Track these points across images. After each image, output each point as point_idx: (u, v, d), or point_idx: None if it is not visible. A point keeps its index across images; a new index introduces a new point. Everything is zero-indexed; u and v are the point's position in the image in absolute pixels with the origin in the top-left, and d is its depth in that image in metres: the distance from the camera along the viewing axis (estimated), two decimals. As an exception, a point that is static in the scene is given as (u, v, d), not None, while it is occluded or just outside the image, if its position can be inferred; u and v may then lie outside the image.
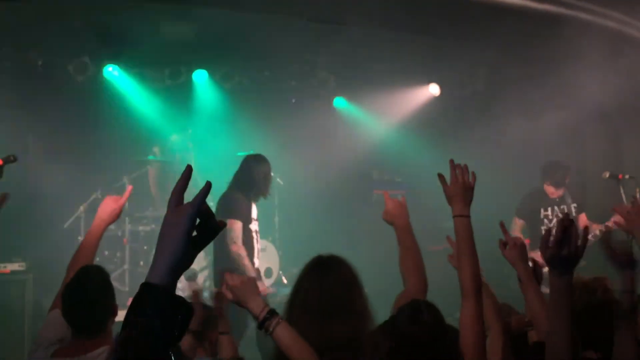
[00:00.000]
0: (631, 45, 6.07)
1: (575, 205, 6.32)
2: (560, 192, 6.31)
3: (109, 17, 6.29)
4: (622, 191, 5.65)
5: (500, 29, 6.00)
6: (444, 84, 8.76)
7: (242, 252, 5.36)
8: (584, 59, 5.86)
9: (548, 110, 6.67)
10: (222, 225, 1.32)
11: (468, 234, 2.38)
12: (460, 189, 2.46)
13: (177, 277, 1.23)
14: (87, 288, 2.58)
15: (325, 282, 2.42)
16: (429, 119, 8.88)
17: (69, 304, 2.59)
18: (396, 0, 5.20)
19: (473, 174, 2.53)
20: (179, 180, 1.28)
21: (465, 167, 2.52)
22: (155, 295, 1.21)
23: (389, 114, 8.80)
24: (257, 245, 5.70)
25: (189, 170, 1.30)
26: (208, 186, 1.28)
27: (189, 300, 1.25)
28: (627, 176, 5.81)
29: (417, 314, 2.05)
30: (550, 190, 6.30)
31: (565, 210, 6.23)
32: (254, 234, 5.65)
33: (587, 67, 5.93)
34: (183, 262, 1.23)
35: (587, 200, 7.81)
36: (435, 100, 8.87)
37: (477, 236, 2.42)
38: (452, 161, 2.55)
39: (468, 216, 2.42)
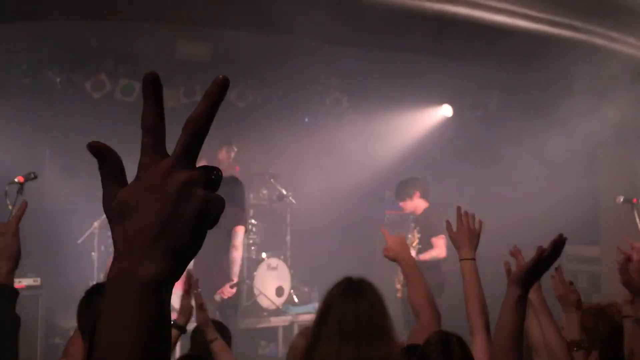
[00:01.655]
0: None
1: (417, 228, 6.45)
2: (412, 208, 6.68)
3: (126, 36, 6.39)
4: (636, 216, 5.61)
5: (514, 51, 6.03)
6: (456, 105, 8.79)
7: (239, 260, 6.03)
8: (598, 83, 5.87)
9: (561, 134, 6.65)
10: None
11: (474, 277, 2.50)
12: (466, 234, 2.59)
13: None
14: None
15: (361, 306, 2.40)
16: (442, 139, 8.90)
17: None
18: (409, 22, 5.24)
19: (480, 221, 2.66)
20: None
21: (473, 215, 2.65)
22: None
23: (401, 134, 8.83)
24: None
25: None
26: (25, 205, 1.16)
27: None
28: (642, 200, 5.78)
29: (448, 347, 2.14)
30: (404, 207, 6.72)
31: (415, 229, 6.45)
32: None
33: (602, 91, 5.93)
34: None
35: (601, 225, 7.79)
36: (448, 121, 8.89)
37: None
38: (459, 208, 2.68)
39: (473, 259, 2.54)
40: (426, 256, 6.30)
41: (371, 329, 2.35)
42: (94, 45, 6.79)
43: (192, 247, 0.71)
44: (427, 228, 6.42)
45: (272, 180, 7.99)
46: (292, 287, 7.66)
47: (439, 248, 6.38)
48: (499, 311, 1.88)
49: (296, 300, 7.70)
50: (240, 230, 5.98)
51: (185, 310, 2.98)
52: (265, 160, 8.17)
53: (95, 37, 6.76)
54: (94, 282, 5.46)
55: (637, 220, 5.55)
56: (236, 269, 5.90)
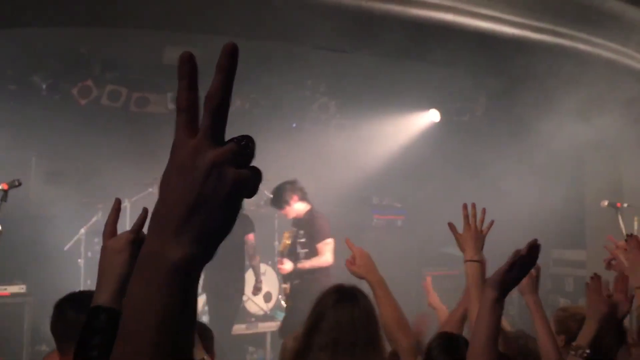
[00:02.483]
0: (629, 75, 6.14)
1: (302, 232, 6.12)
2: (294, 214, 6.25)
3: (113, 42, 6.38)
4: (620, 220, 5.67)
5: (499, 57, 6.08)
6: (443, 110, 8.83)
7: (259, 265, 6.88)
8: (583, 88, 5.92)
9: (547, 138, 6.71)
10: None
11: (478, 279, 2.44)
12: (472, 236, 2.53)
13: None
14: None
15: (357, 315, 2.36)
16: (429, 144, 8.94)
17: None
18: (396, 27, 5.27)
19: (491, 222, 2.58)
20: (110, 213, 1.30)
21: (483, 212, 2.59)
22: (107, 315, 1.22)
23: (389, 139, 8.86)
24: None
25: (117, 203, 1.36)
26: (145, 212, 1.32)
27: None
28: (625, 205, 5.84)
29: (452, 346, 2.20)
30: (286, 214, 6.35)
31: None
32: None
33: (588, 96, 5.99)
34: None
35: (586, 230, 7.85)
36: (436, 126, 8.94)
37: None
38: (465, 207, 2.59)
39: (479, 261, 2.48)
40: (306, 264, 5.92)
41: (366, 338, 2.33)
42: (81, 51, 6.77)
43: (222, 229, 0.70)
44: (311, 233, 6.03)
45: (259, 185, 7.97)
46: (280, 293, 7.65)
47: (323, 255, 5.93)
48: (477, 314, 1.88)
49: (284, 305, 7.69)
50: (251, 238, 6.67)
51: None
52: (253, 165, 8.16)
53: (82, 43, 6.73)
54: (81, 289, 5.44)
55: (621, 223, 5.60)
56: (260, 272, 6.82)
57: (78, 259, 6.98)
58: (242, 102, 8.20)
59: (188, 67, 0.72)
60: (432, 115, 8.87)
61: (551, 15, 5.59)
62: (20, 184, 3.78)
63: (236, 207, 0.71)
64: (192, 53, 0.72)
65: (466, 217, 2.55)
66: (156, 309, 0.67)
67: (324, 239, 5.96)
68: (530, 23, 5.55)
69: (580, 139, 6.64)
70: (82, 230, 7.09)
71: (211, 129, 0.70)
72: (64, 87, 7.18)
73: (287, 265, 5.97)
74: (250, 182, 0.72)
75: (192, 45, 6.92)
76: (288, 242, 6.17)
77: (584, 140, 6.69)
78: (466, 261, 2.50)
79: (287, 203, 6.22)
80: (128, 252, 1.31)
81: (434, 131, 8.92)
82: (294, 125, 8.91)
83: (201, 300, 7.02)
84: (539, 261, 1.93)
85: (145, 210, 1.24)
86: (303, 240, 6.03)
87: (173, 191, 0.69)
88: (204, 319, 6.77)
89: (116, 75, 7.31)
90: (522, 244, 2.74)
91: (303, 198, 6.27)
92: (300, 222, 6.19)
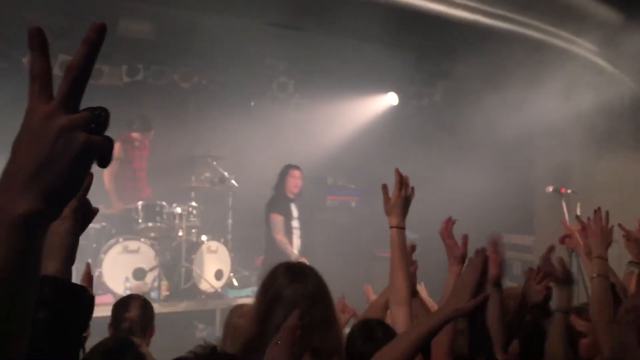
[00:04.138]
0: (585, 67, 6.28)
1: None
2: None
3: (65, 11, 6.20)
4: (564, 205, 5.82)
5: (460, 42, 6.15)
6: (402, 94, 8.89)
7: (285, 239, 6.79)
8: (538, 75, 6.04)
9: (498, 124, 6.83)
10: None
11: (403, 246, 2.45)
12: (401, 202, 2.49)
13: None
14: None
15: (312, 293, 2.23)
16: (387, 127, 9.00)
17: None
18: (354, 9, 5.26)
19: (413, 189, 2.54)
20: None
21: (407, 179, 2.53)
22: (53, 286, 1.15)
23: (347, 121, 8.89)
24: (296, 239, 7.09)
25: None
26: (89, 177, 1.19)
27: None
28: (569, 191, 6.00)
29: (371, 332, 2.22)
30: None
31: None
32: (294, 230, 7.07)
33: (541, 83, 6.11)
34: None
35: (535, 214, 8.05)
36: (393, 110, 8.99)
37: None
38: (397, 170, 2.54)
39: (404, 228, 2.48)
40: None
41: (323, 318, 2.21)
42: (30, 19, 6.53)
43: (69, 188, 0.74)
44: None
45: (214, 162, 7.92)
46: (232, 271, 7.64)
47: None
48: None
49: (236, 283, 7.69)
50: (274, 217, 6.86)
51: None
52: (209, 142, 8.09)
53: (32, 11, 6.51)
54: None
55: (564, 209, 5.75)
56: (288, 247, 6.77)
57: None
58: (199, 78, 8.09)
59: (39, 40, 0.75)
60: (391, 99, 8.92)
61: (505, 1, 5.68)
62: None
63: (84, 169, 0.74)
64: (40, 27, 0.75)
65: (398, 182, 2.50)
66: None
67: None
68: (481, 7, 5.62)
69: (530, 125, 6.78)
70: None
71: (66, 97, 0.74)
72: (14, 56, 6.95)
73: None
74: (101, 147, 0.75)
75: (148, 17, 6.80)
76: None
77: (534, 125, 6.83)
78: (392, 227, 2.48)
79: None
80: (72, 220, 1.28)
81: (392, 114, 8.98)
82: (252, 103, 8.85)
83: (150, 276, 6.97)
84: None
85: (90, 175, 1.20)
86: None
87: (23, 152, 0.72)
88: (152, 295, 6.74)
89: (68, 45, 7.10)
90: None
91: None
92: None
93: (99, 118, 0.75)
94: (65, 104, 0.73)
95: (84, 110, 0.75)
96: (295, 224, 7.11)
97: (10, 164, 0.72)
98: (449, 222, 2.88)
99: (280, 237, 6.78)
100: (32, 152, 0.71)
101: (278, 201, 7.00)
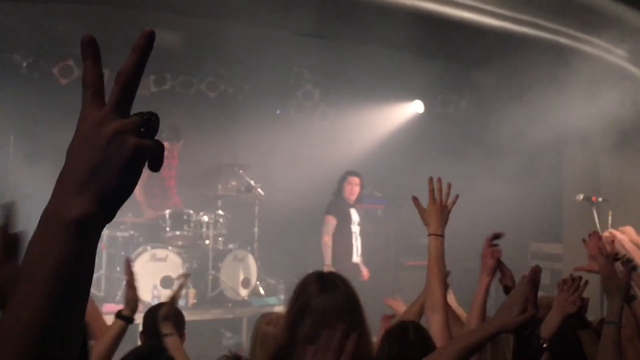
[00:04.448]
0: (612, 72, 6.19)
1: None
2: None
3: (96, 22, 6.30)
4: (595, 214, 5.73)
5: (486, 49, 6.10)
6: (427, 102, 8.85)
7: (329, 243, 6.92)
8: (565, 81, 5.96)
9: (527, 132, 6.76)
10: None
11: (440, 254, 2.45)
12: (437, 210, 2.51)
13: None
14: None
15: (341, 303, 2.21)
16: (413, 135, 8.97)
17: None
18: (381, 17, 5.26)
19: (456, 197, 2.56)
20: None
21: (449, 187, 2.55)
22: None
23: (372, 129, 8.88)
24: (356, 243, 7.25)
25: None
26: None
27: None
28: (600, 199, 5.90)
29: (405, 333, 2.22)
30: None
31: None
32: (353, 234, 7.22)
33: (568, 89, 6.03)
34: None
35: (564, 223, 7.93)
36: (419, 117, 8.96)
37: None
38: (430, 180, 2.55)
39: (442, 235, 2.48)
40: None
41: (353, 326, 2.05)
42: (62, 30, 6.66)
43: (121, 191, 0.75)
44: None
45: (240, 171, 7.96)
46: (259, 279, 7.66)
47: None
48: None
49: (262, 292, 7.70)
50: (327, 219, 7.05)
51: (130, 302, 2.95)
52: (235, 151, 8.13)
53: (64, 22, 6.64)
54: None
55: (595, 217, 5.65)
56: (327, 251, 6.89)
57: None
58: (226, 87, 8.16)
59: (91, 49, 0.77)
60: (416, 107, 8.89)
61: (533, 8, 5.62)
62: None
63: (136, 172, 0.76)
64: (92, 35, 0.77)
65: (431, 191, 2.53)
66: (49, 261, 0.71)
67: None
68: (511, 15, 5.57)
69: (558, 131, 6.70)
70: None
71: (117, 103, 0.76)
72: (45, 66, 7.09)
73: None
74: (151, 151, 0.77)
75: (176, 27, 6.88)
76: None
77: (561, 132, 6.75)
78: (430, 235, 2.49)
79: None
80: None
81: (417, 122, 8.94)
82: (278, 111, 8.89)
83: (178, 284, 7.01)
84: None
85: None
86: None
87: (77, 157, 0.74)
88: (180, 303, 6.77)
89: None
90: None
91: None
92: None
93: (149, 122, 0.77)
94: (117, 110, 0.75)
95: (135, 115, 0.77)
96: (355, 228, 7.27)
97: (65, 169, 0.75)
98: (491, 238, 2.81)
99: (326, 239, 6.95)
100: (86, 157, 0.74)
101: (335, 204, 7.22)
